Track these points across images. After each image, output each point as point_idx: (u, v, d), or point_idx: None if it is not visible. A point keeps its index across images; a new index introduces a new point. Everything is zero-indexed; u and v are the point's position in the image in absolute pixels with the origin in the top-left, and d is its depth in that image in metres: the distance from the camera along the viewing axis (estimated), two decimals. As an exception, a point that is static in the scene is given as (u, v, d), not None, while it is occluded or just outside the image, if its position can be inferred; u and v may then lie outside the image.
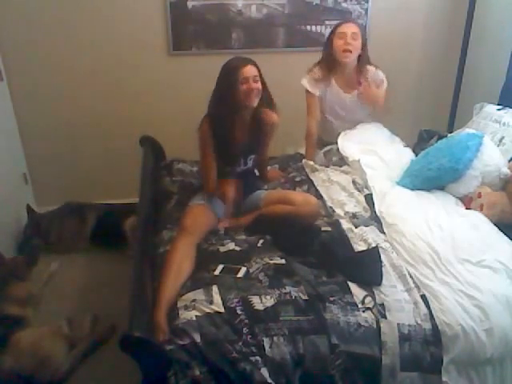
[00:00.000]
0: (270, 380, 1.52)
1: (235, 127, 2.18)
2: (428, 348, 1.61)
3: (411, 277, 1.80)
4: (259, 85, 2.10)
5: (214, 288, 1.71)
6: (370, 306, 1.68)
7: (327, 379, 1.57)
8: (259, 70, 2.12)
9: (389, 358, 1.59)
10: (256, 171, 2.49)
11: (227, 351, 1.53)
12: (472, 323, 1.63)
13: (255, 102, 2.12)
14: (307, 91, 2.68)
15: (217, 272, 1.82)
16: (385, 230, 2.06)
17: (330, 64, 2.61)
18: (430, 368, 1.61)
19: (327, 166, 2.66)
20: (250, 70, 2.07)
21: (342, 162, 2.67)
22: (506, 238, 2.01)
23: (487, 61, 3.19)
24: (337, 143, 2.71)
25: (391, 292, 1.72)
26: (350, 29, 2.51)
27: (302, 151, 2.84)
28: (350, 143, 2.67)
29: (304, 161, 2.71)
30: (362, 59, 2.60)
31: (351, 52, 2.51)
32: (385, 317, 1.64)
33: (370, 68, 2.64)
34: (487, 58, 3.19)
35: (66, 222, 2.97)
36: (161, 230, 2.14)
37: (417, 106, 3.58)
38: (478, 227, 2.06)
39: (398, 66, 3.34)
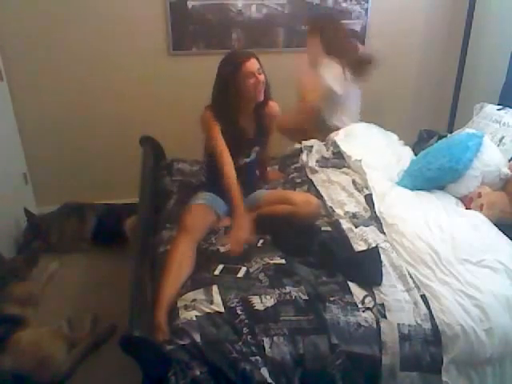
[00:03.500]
0: (270, 380, 1.51)
1: (240, 120, 2.17)
2: (428, 348, 1.61)
3: (411, 277, 1.80)
4: (263, 77, 2.11)
5: (214, 288, 1.71)
6: (370, 305, 1.68)
7: (327, 379, 1.57)
8: (259, 62, 2.12)
9: (389, 357, 1.59)
10: (257, 172, 2.49)
11: (227, 351, 1.52)
12: (472, 323, 1.63)
13: (262, 95, 2.14)
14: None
15: (217, 272, 1.82)
16: (385, 230, 2.06)
17: None
18: (430, 368, 1.61)
19: (327, 168, 2.66)
20: (253, 64, 2.08)
21: (341, 163, 2.67)
22: (505, 237, 2.01)
23: (487, 61, 3.19)
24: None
25: (391, 292, 1.72)
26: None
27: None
28: (350, 145, 2.68)
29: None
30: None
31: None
32: (385, 317, 1.64)
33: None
34: (487, 58, 3.19)
35: (66, 222, 2.97)
36: (160, 230, 2.14)
37: (417, 106, 3.58)
38: (478, 227, 2.06)
39: (398, 66, 3.34)
